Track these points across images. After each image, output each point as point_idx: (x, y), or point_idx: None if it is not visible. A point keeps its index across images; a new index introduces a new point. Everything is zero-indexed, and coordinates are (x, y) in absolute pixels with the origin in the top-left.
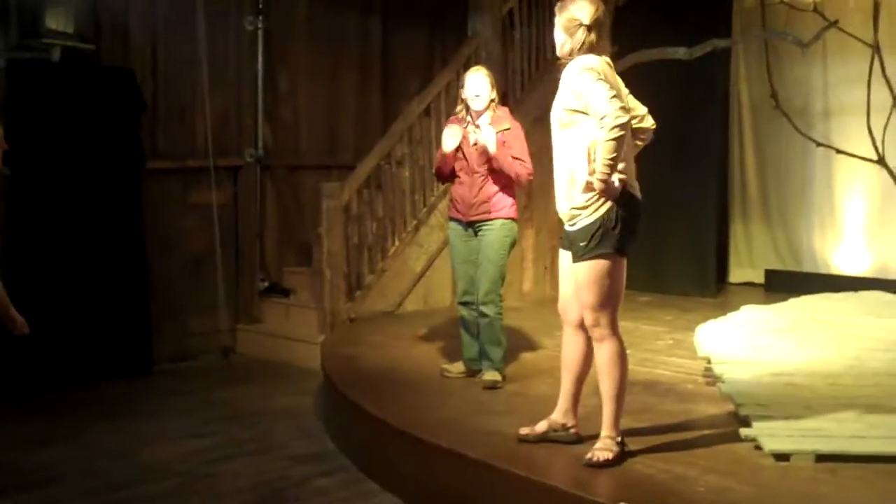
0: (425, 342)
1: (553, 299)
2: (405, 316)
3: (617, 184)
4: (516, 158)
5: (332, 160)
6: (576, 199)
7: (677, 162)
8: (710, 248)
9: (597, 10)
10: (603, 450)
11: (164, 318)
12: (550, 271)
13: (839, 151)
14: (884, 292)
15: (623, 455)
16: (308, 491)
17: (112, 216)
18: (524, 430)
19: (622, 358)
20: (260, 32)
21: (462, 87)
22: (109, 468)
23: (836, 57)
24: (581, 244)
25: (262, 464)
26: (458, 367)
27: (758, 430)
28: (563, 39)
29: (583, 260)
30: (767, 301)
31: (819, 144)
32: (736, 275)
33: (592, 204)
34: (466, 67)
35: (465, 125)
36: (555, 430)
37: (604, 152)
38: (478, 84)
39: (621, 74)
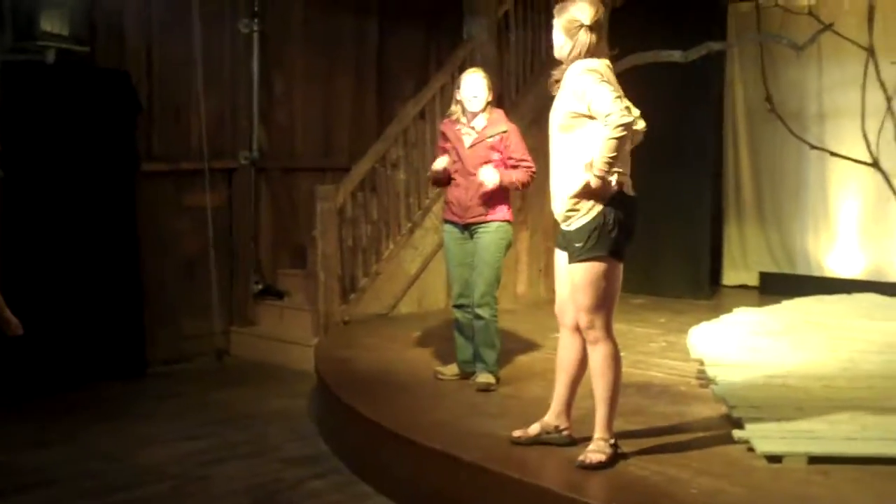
0: (419, 345)
1: (547, 302)
2: (399, 318)
3: (614, 184)
4: (518, 162)
5: (327, 162)
6: (571, 201)
7: (672, 164)
8: (704, 250)
9: (597, 11)
10: (596, 452)
11: (158, 321)
12: (545, 274)
13: (833, 154)
14: (877, 295)
15: (616, 457)
16: (302, 493)
17: (106, 218)
18: (517, 433)
19: (616, 360)
20: (255, 35)
21: (458, 88)
22: (104, 470)
23: (830, 60)
24: (577, 244)
25: (255, 466)
26: (451, 370)
27: (751, 431)
28: (562, 41)
29: (579, 261)
30: (761, 303)
31: (813, 147)
32: (730, 277)
33: (587, 204)
34: (461, 70)
35: (458, 126)
36: (548, 433)
37: (604, 150)
38: (475, 85)
39: (617, 77)
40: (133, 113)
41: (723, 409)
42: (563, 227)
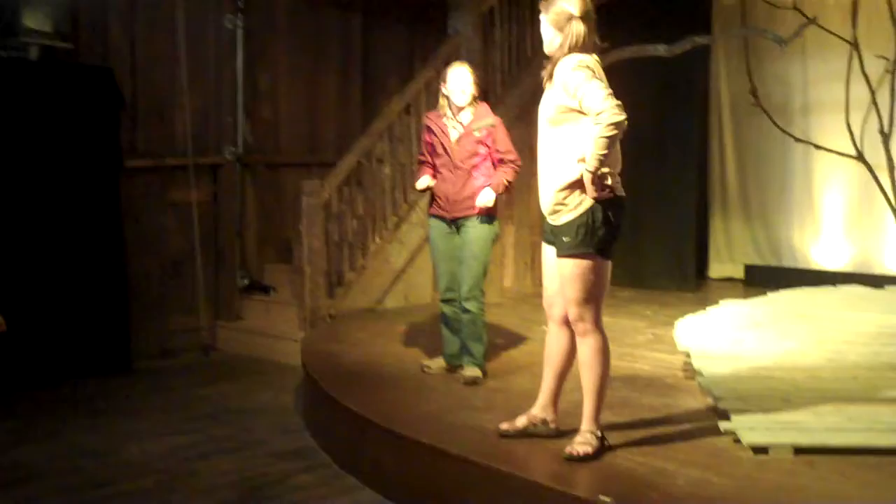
0: (406, 339)
1: (534, 295)
2: (386, 312)
3: (609, 181)
4: (503, 155)
5: (313, 158)
6: (559, 194)
7: (657, 158)
8: (689, 243)
9: (585, 1)
10: (583, 444)
11: (144, 316)
12: (531, 267)
13: (818, 147)
14: (862, 287)
15: (603, 449)
16: (288, 487)
17: (91, 214)
18: (504, 426)
19: (605, 353)
20: (239, 31)
21: (444, 82)
22: (89, 466)
23: (815, 54)
24: (565, 239)
25: (242, 461)
26: (438, 363)
27: (737, 423)
28: (551, 35)
29: (567, 256)
30: (747, 296)
31: (798, 140)
32: (716, 270)
33: (576, 198)
34: (446, 65)
35: (444, 120)
36: (535, 425)
37: (597, 148)
38: (462, 79)
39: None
40: (117, 109)
41: (709, 401)
42: (551, 221)
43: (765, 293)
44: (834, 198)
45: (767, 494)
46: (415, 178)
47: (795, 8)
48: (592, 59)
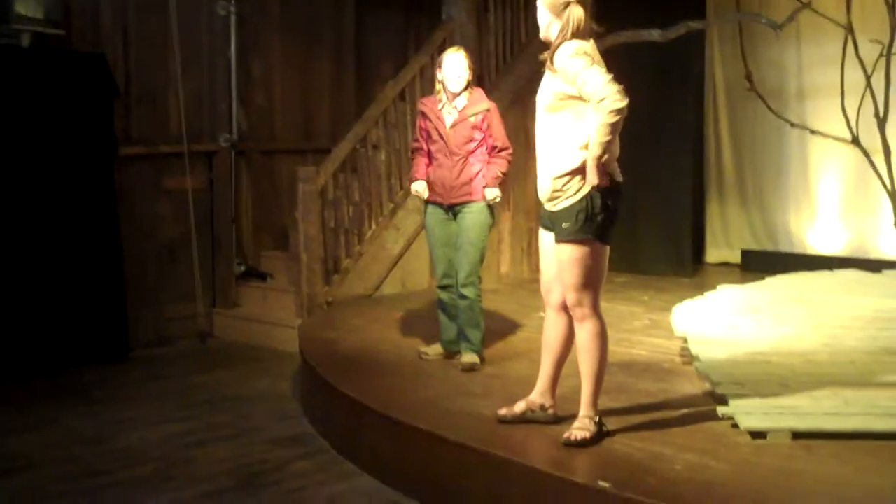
0: (403, 325)
1: (531, 281)
2: (383, 299)
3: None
4: (494, 145)
5: (308, 144)
6: (558, 181)
7: (653, 144)
8: (686, 228)
9: None
10: (581, 429)
11: (141, 304)
12: (528, 253)
13: (814, 132)
14: (859, 271)
15: (601, 434)
16: (286, 474)
17: (86, 202)
18: (502, 411)
19: (603, 338)
20: (233, 17)
21: (439, 67)
22: (86, 454)
23: (809, 38)
24: (564, 225)
25: (240, 447)
26: (435, 350)
27: (734, 408)
28: (548, 20)
29: (566, 241)
30: (743, 281)
31: (794, 125)
32: (712, 255)
33: (574, 185)
34: (441, 51)
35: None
36: (532, 411)
37: (600, 135)
38: (458, 64)
39: None
40: (110, 96)
41: (706, 386)
42: (549, 207)
43: (762, 278)
44: (830, 182)
45: (765, 479)
46: (411, 167)
47: None
48: (590, 45)
